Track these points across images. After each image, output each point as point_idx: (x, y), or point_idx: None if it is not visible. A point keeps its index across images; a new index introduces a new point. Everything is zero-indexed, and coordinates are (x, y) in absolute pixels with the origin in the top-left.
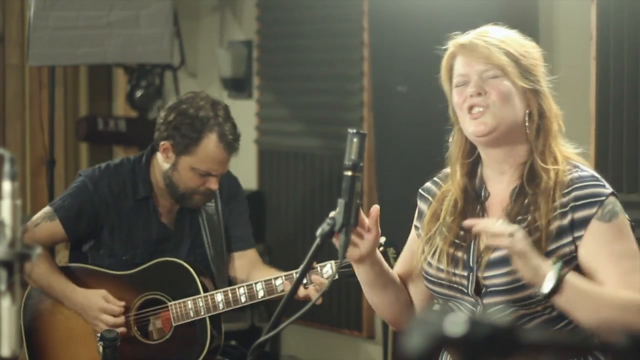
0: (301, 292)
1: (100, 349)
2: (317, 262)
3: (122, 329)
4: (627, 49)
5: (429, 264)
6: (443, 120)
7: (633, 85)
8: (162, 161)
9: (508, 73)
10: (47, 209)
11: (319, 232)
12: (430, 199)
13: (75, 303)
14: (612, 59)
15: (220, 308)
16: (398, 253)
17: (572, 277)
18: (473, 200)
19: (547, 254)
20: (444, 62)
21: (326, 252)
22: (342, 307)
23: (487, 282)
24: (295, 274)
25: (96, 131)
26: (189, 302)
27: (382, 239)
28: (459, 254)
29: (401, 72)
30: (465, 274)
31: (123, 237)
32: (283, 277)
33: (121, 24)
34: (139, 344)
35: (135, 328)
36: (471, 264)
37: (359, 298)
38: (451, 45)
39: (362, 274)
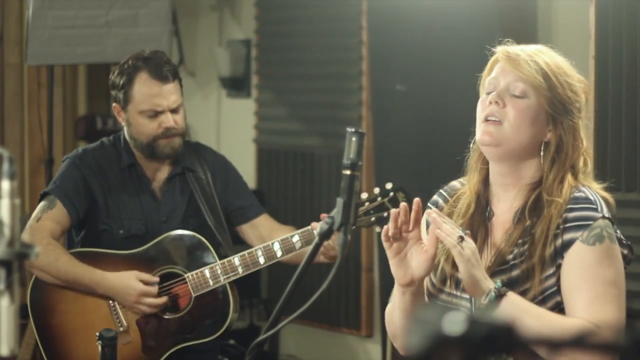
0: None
1: (99, 347)
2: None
3: (163, 300)
4: (626, 48)
5: (432, 284)
6: (441, 119)
7: (631, 84)
8: (123, 128)
9: (538, 94)
10: (42, 202)
11: (317, 231)
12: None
13: (109, 288)
14: (610, 58)
15: (240, 272)
16: (407, 196)
17: (513, 296)
18: (482, 210)
19: (542, 282)
20: (487, 66)
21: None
22: (341, 306)
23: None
24: (311, 229)
25: (95, 130)
26: (207, 270)
27: (389, 185)
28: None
29: (400, 71)
30: (467, 296)
31: (115, 210)
32: (299, 234)
33: (120, 23)
34: (161, 319)
35: None
36: None
37: (358, 297)
38: (498, 50)
39: (405, 300)
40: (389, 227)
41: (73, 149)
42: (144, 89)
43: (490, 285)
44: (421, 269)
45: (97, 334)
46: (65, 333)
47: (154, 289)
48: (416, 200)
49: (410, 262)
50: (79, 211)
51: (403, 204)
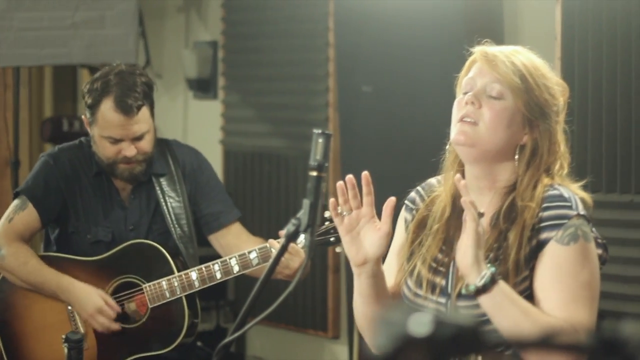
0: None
1: (65, 350)
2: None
3: (115, 326)
4: (591, 49)
5: (408, 287)
6: (408, 120)
7: (597, 85)
8: None
9: (515, 96)
10: (15, 201)
11: (284, 232)
12: (414, 209)
13: (72, 296)
14: (576, 59)
15: (196, 286)
16: None
17: (504, 284)
18: (458, 214)
19: (517, 285)
20: (465, 66)
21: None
22: (308, 308)
23: (463, 312)
24: (269, 247)
25: (61, 132)
26: (164, 282)
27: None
28: (437, 279)
29: (366, 73)
30: (443, 300)
31: (83, 216)
32: (257, 251)
33: (86, 24)
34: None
35: None
36: (449, 291)
37: (325, 298)
38: (476, 50)
39: (361, 283)
40: (338, 201)
41: (39, 151)
42: (107, 116)
43: (485, 268)
44: (374, 247)
45: (63, 336)
46: (24, 334)
47: (112, 313)
48: (364, 174)
49: (364, 241)
50: (49, 213)
51: (349, 176)
